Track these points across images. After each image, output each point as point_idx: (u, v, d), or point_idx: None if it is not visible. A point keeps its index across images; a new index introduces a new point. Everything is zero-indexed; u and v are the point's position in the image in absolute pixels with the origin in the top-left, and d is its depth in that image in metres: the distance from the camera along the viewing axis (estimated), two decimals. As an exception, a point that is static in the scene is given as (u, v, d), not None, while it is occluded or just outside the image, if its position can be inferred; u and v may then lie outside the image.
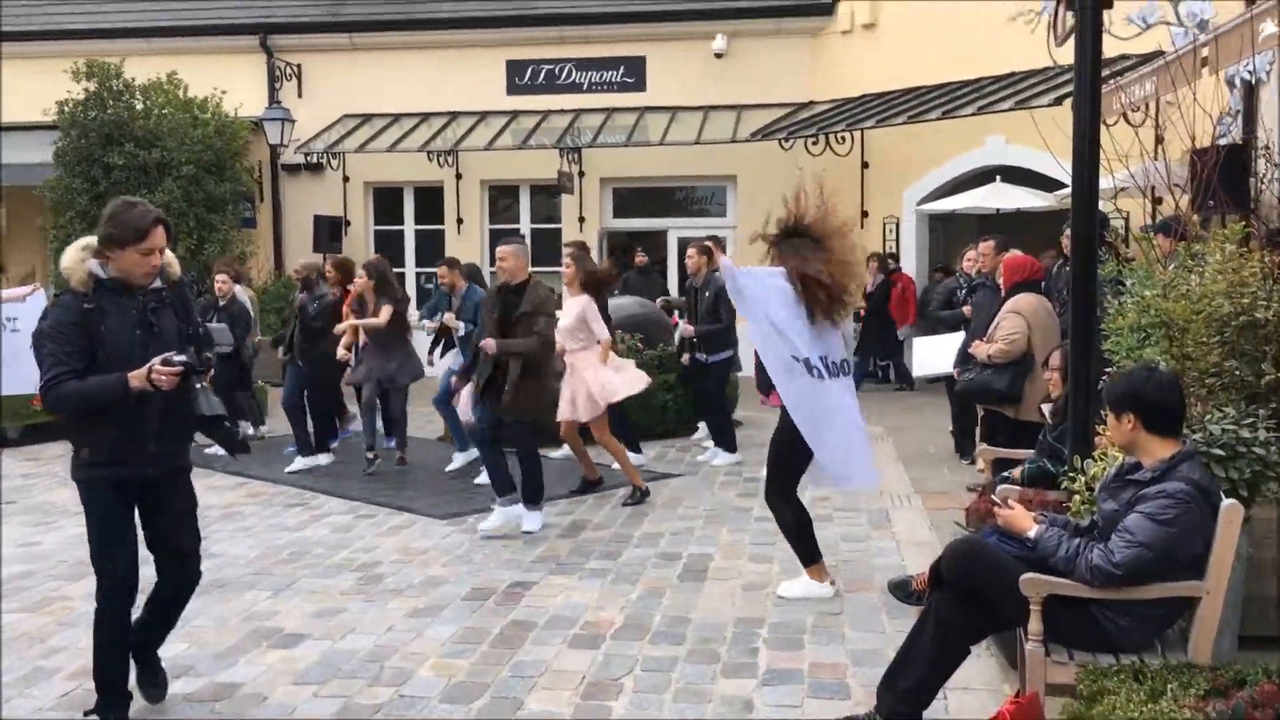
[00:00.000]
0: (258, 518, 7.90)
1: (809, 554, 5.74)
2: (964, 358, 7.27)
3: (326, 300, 9.60)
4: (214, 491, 8.87)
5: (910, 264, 15.38)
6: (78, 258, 4.11)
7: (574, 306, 8.19)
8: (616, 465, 8.88)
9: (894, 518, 7.46)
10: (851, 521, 7.37)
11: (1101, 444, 4.39)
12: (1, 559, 7.02)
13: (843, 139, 15.14)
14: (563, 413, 8.13)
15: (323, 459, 9.74)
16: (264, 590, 6.05)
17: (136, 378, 3.94)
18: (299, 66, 17.29)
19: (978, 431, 7.91)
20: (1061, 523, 3.86)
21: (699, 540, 6.96)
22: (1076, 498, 4.15)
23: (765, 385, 11.28)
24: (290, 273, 14.31)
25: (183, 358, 4.01)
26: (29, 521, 7.95)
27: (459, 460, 9.37)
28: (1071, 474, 4.25)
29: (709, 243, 9.46)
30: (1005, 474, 5.18)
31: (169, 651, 4.84)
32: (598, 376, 8.07)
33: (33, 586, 6.29)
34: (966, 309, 8.96)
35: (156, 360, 3.94)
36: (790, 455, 5.54)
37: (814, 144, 15.25)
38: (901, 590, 4.29)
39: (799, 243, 5.36)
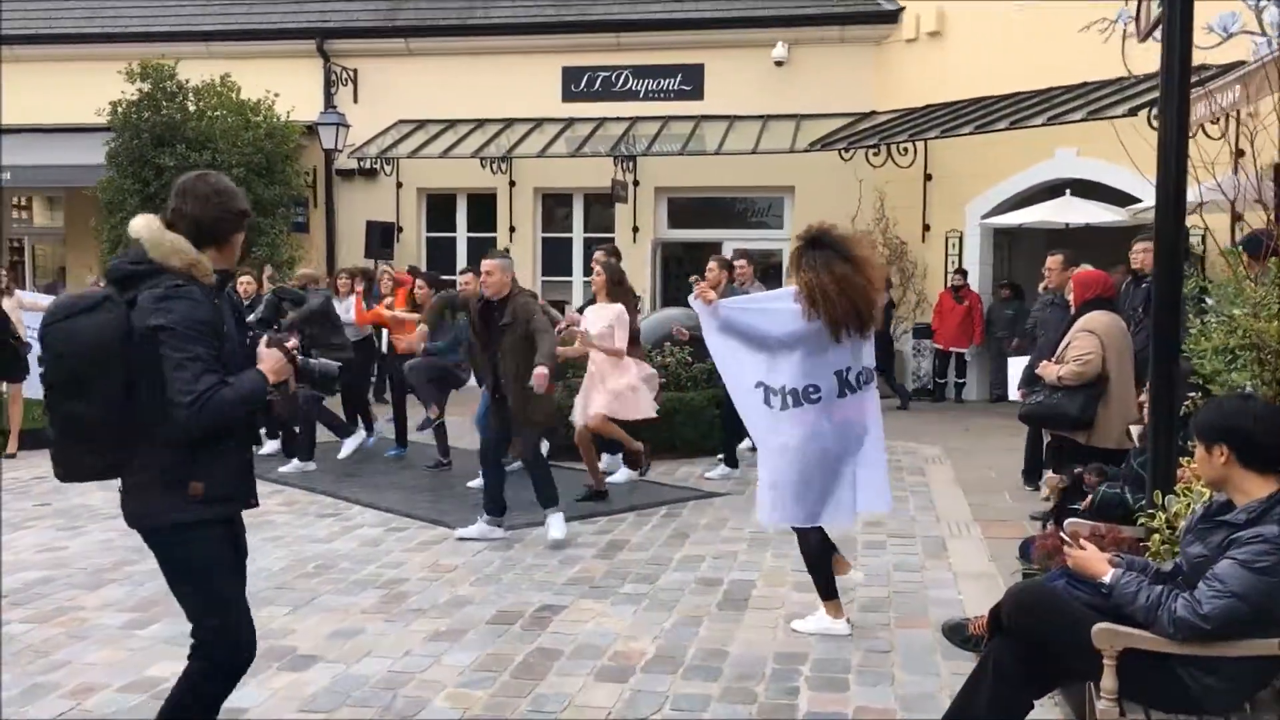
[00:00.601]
0: (289, 527, 7.66)
1: (828, 587, 5.37)
2: (1030, 379, 6.81)
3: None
4: (248, 499, 8.66)
5: (973, 280, 14.87)
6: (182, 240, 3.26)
7: (606, 314, 8.27)
8: (649, 476, 8.80)
9: (951, 547, 7.03)
10: (906, 549, 6.95)
11: (1185, 477, 3.96)
12: (1, 563, 6.87)
13: (905, 150, 14.69)
14: (576, 416, 8.36)
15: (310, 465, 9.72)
16: (283, 606, 5.78)
17: (274, 371, 3.33)
18: (355, 71, 17.20)
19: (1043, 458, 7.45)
20: (1140, 565, 3.44)
21: (742, 565, 6.58)
22: (1156, 537, 3.73)
23: None
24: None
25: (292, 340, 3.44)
26: (58, 525, 7.78)
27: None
28: (1150, 511, 3.83)
29: (733, 258, 9.33)
30: (1074, 503, 4.75)
31: (177, 669, 4.57)
32: (619, 389, 8.18)
33: (49, 594, 6.08)
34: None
35: (263, 344, 3.38)
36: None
37: (875, 155, 14.82)
38: (957, 634, 3.90)
39: (821, 255, 4.95)
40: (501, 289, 6.97)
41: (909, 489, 8.91)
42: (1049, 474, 5.97)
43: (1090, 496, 4.54)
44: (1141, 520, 4.08)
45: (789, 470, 4.98)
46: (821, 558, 5.31)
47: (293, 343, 3.37)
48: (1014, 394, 8.10)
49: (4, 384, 10.52)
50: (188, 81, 13.04)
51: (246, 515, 7.61)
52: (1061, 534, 3.65)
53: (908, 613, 5.64)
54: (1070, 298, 6.43)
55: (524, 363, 6.82)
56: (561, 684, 4.68)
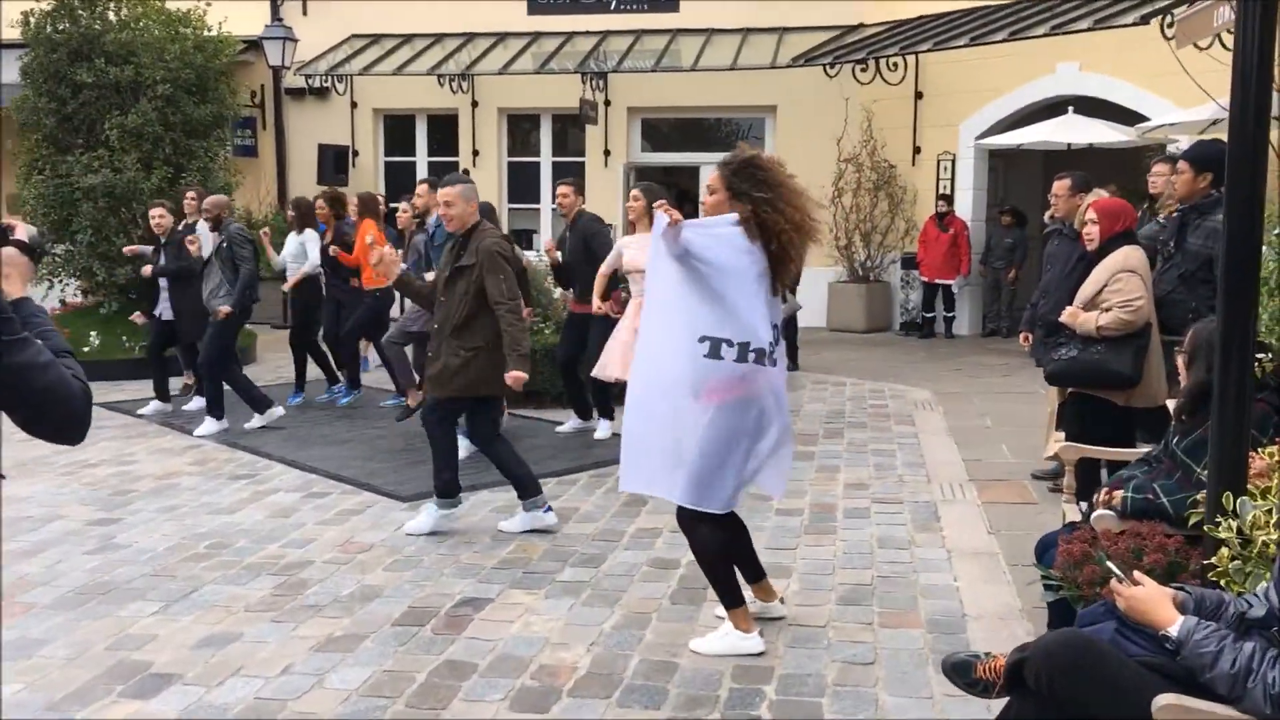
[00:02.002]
0: (192, 494, 6.73)
1: (732, 591, 4.27)
2: (1050, 327, 5.82)
3: (244, 236, 8.57)
4: (160, 456, 7.76)
5: (966, 206, 13.89)
6: None
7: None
8: (600, 434, 8.08)
9: (944, 515, 6.14)
10: (893, 519, 6.06)
11: (1258, 471, 3.05)
12: (1, 564, 5.98)
13: (895, 65, 13.59)
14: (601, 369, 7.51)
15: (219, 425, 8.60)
16: (153, 601, 4.87)
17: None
18: (303, -18, 15.94)
19: (1053, 417, 6.52)
20: (1214, 603, 2.55)
21: (704, 541, 5.68)
22: (1225, 553, 2.83)
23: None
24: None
25: None
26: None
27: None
28: (1214, 515, 2.91)
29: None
30: (1105, 490, 3.83)
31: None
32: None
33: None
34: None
35: None
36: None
37: (863, 71, 13.71)
38: (960, 676, 3.02)
39: (761, 179, 3.98)
40: (464, 222, 5.70)
41: (896, 441, 8.03)
42: (1059, 440, 5.02)
43: (1119, 493, 3.60)
44: (1194, 519, 3.18)
45: (716, 443, 4.00)
46: (727, 551, 4.29)
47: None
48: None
49: None
50: (109, -12, 11.83)
51: (146, 479, 6.72)
52: (1112, 566, 2.72)
53: (895, 606, 4.76)
54: (1086, 228, 5.45)
55: (467, 319, 5.59)
56: (469, 712, 3.79)
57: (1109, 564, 2.77)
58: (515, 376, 5.48)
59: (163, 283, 9.12)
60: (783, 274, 4.03)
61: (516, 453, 5.96)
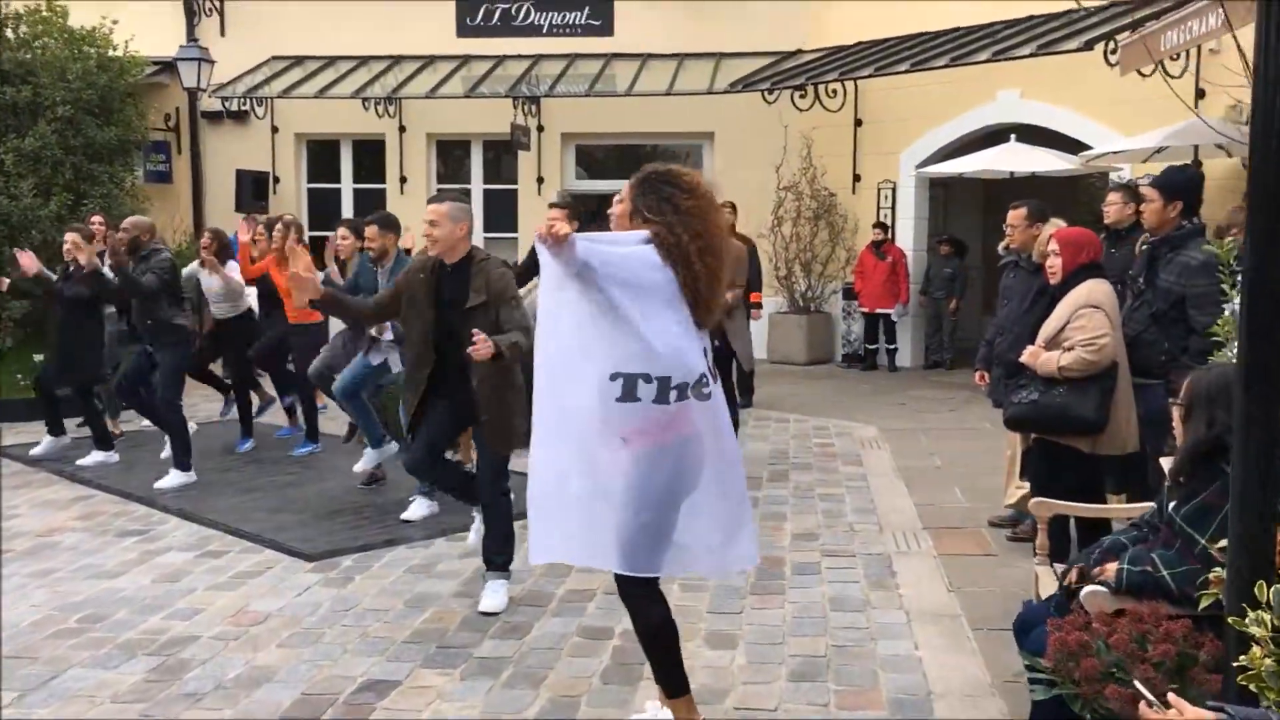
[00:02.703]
0: (73, 554, 6.06)
1: (678, 678, 3.65)
2: (1009, 367, 5.40)
3: (165, 261, 7.65)
4: (43, 509, 7.06)
5: (907, 235, 13.58)
6: None
7: None
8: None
9: (900, 569, 5.68)
10: (845, 574, 5.59)
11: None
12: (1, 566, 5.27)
13: (834, 92, 13.28)
14: None
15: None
16: (6, 692, 4.22)
17: None
18: (221, 1, 15.27)
19: (1014, 462, 6.10)
20: (1260, 727, 2.08)
21: (640, 604, 5.16)
22: (1257, 651, 2.37)
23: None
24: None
25: None
26: None
27: (370, 460, 7.34)
28: (1228, 599, 2.46)
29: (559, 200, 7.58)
30: (1089, 555, 3.38)
31: None
32: None
33: None
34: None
35: None
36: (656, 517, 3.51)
37: (801, 97, 13.39)
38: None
39: (672, 194, 3.43)
40: (453, 246, 4.95)
41: (844, 483, 7.58)
42: (1020, 489, 4.58)
43: (1112, 566, 3.15)
44: (1206, 601, 2.74)
45: (647, 495, 3.39)
46: (672, 630, 3.65)
47: None
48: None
49: None
50: (7, 5, 11.12)
51: (24, 540, 6.04)
52: (1140, 687, 2.25)
53: (852, 682, 4.27)
54: (1049, 260, 5.04)
55: (503, 364, 4.84)
56: (363, 833, 3.23)
57: (1137, 684, 2.29)
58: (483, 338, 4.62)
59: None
60: (695, 309, 3.41)
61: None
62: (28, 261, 7.80)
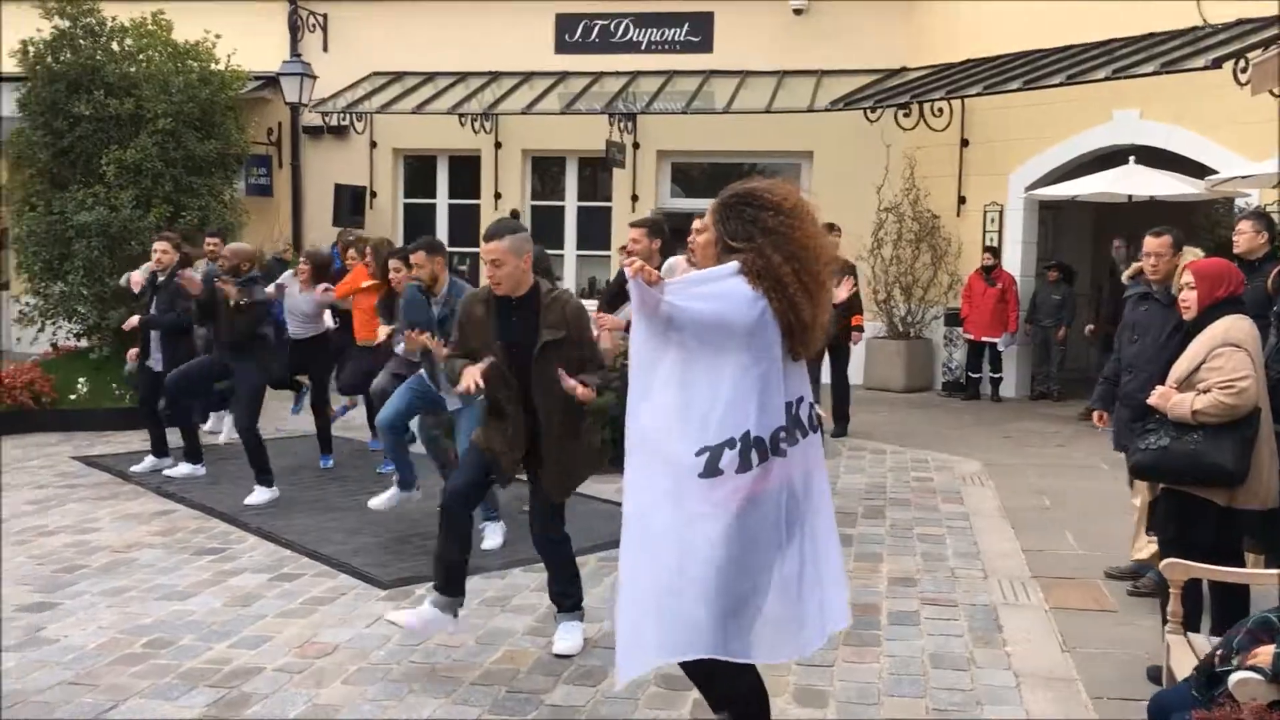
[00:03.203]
0: (147, 572, 5.95)
1: None
2: (1137, 409, 4.95)
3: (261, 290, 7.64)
4: (124, 523, 7.00)
5: (1014, 260, 13.03)
6: None
7: None
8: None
9: (1006, 622, 5.26)
10: (947, 627, 5.19)
11: None
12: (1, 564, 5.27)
13: (940, 111, 12.83)
14: None
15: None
16: (61, 722, 4.08)
17: None
18: (324, 17, 15.43)
19: (1142, 514, 5.63)
20: None
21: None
22: None
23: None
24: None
25: None
26: None
27: (391, 499, 6.81)
28: None
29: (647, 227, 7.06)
30: (1231, 640, 2.97)
31: None
32: None
33: None
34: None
35: None
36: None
37: (905, 116, 12.98)
38: None
39: (757, 215, 3.07)
40: (519, 283, 4.53)
41: (945, 523, 7.16)
42: (1150, 545, 4.15)
43: (1266, 651, 2.75)
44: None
45: (708, 571, 2.97)
46: (762, 698, 3.29)
47: None
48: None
49: None
50: (114, 19, 11.28)
51: (101, 556, 5.93)
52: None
53: (956, 753, 3.89)
54: (1182, 294, 4.60)
55: (572, 404, 4.52)
56: None
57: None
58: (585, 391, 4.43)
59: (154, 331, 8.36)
60: (792, 339, 3.07)
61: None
62: (191, 285, 7.66)
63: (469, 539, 4.82)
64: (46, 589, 5.64)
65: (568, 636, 4.80)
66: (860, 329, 10.39)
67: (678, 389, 2.97)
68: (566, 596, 4.85)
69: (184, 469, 8.28)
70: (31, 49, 11.01)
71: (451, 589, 4.65)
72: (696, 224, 5.77)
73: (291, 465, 8.54)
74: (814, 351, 3.18)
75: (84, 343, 11.56)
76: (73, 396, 10.30)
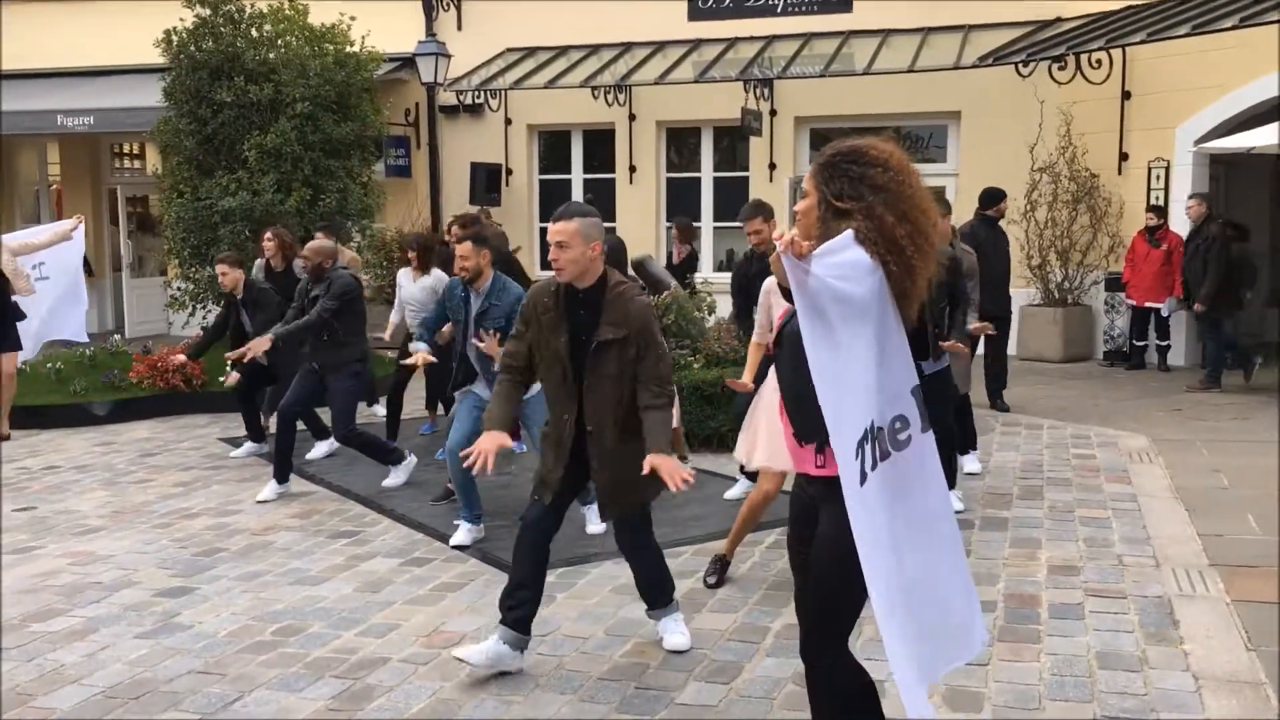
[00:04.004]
0: (283, 556, 5.95)
1: None
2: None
3: (344, 284, 7.24)
4: (263, 506, 7.06)
5: (1182, 220, 12.15)
6: None
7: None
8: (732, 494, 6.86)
9: (1182, 616, 4.79)
10: (1114, 622, 4.75)
11: None
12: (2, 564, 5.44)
13: (1098, 62, 12.00)
14: (760, 457, 5.23)
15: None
16: (187, 714, 4.03)
17: None
18: (458, -5, 15.44)
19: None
20: None
21: (869, 648, 4.52)
22: None
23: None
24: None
25: None
26: (9, 547, 6.26)
27: (465, 536, 6.15)
28: None
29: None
30: None
31: None
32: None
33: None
34: None
35: None
36: (855, 583, 2.78)
37: (1060, 69, 12.17)
38: None
39: (864, 173, 2.78)
40: (584, 270, 4.17)
41: (1110, 504, 6.64)
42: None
43: None
44: None
45: (892, 591, 2.67)
46: (872, 697, 3.09)
47: None
48: None
49: None
50: (252, 5, 11.46)
51: (240, 539, 5.93)
52: None
53: (1129, 768, 3.51)
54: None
55: (631, 409, 4.18)
56: None
57: None
58: (669, 468, 3.93)
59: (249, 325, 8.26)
60: (904, 306, 2.78)
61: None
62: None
63: (543, 572, 4.40)
64: (186, 572, 5.69)
65: (674, 632, 4.53)
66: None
67: (852, 371, 2.65)
68: (657, 595, 4.53)
69: (322, 448, 8.32)
70: (175, 38, 11.25)
71: (521, 627, 4.31)
72: (801, 188, 5.38)
73: (426, 445, 8.52)
74: (912, 320, 2.86)
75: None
76: (222, 379, 10.51)
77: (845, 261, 2.67)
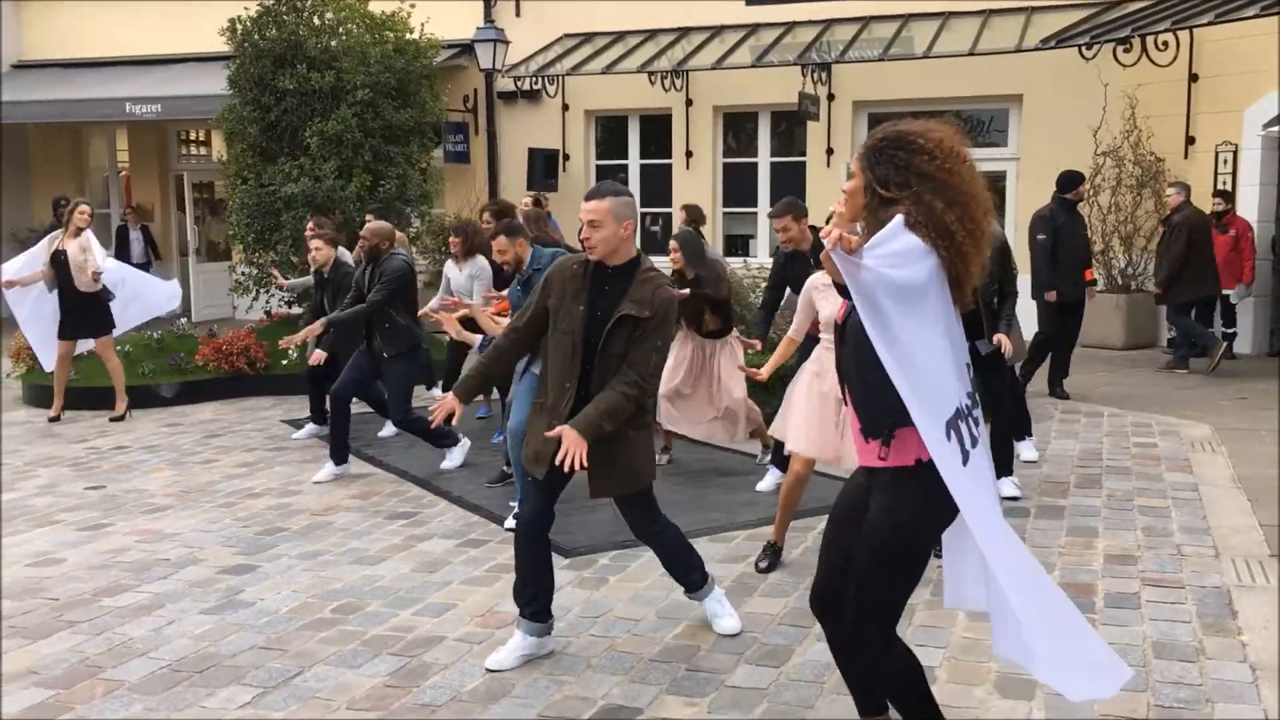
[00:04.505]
0: (342, 536, 6.08)
1: None
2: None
3: (398, 268, 7.31)
4: (325, 486, 7.20)
5: (1251, 204, 11.91)
6: None
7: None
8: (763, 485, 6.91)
9: (1241, 607, 4.73)
10: (1170, 612, 4.70)
11: None
12: (2, 556, 5.62)
13: (1164, 44, 11.76)
14: (790, 440, 5.37)
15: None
16: (250, 687, 4.14)
17: None
18: (516, -20, 15.51)
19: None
20: None
21: (926, 635, 4.52)
22: None
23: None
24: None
25: None
26: (79, 523, 6.45)
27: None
28: None
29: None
30: None
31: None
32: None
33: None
34: None
35: None
36: (906, 563, 2.95)
37: (1125, 51, 11.95)
38: None
39: (911, 160, 2.79)
40: (615, 247, 4.15)
41: (1170, 494, 6.56)
42: None
43: None
44: None
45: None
46: (918, 674, 3.14)
47: None
48: None
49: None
50: (316, -7, 11.64)
51: (301, 519, 6.03)
52: None
53: (1181, 758, 3.48)
54: None
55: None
56: None
57: None
58: (571, 437, 3.93)
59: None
60: (959, 292, 2.81)
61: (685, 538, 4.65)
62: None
63: (548, 563, 4.42)
64: (249, 550, 5.83)
65: (721, 616, 4.55)
66: (1093, 282, 9.72)
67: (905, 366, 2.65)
68: (689, 575, 4.53)
69: (391, 427, 8.43)
70: (239, 27, 11.44)
71: (540, 617, 4.35)
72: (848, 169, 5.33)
73: (483, 428, 8.62)
74: (967, 306, 2.87)
75: (294, 310, 12.04)
76: (284, 362, 10.73)
77: (898, 249, 2.68)
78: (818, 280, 5.20)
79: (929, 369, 2.67)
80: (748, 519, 6.18)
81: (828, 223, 2.97)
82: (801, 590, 5.04)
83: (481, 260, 7.99)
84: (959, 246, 2.74)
